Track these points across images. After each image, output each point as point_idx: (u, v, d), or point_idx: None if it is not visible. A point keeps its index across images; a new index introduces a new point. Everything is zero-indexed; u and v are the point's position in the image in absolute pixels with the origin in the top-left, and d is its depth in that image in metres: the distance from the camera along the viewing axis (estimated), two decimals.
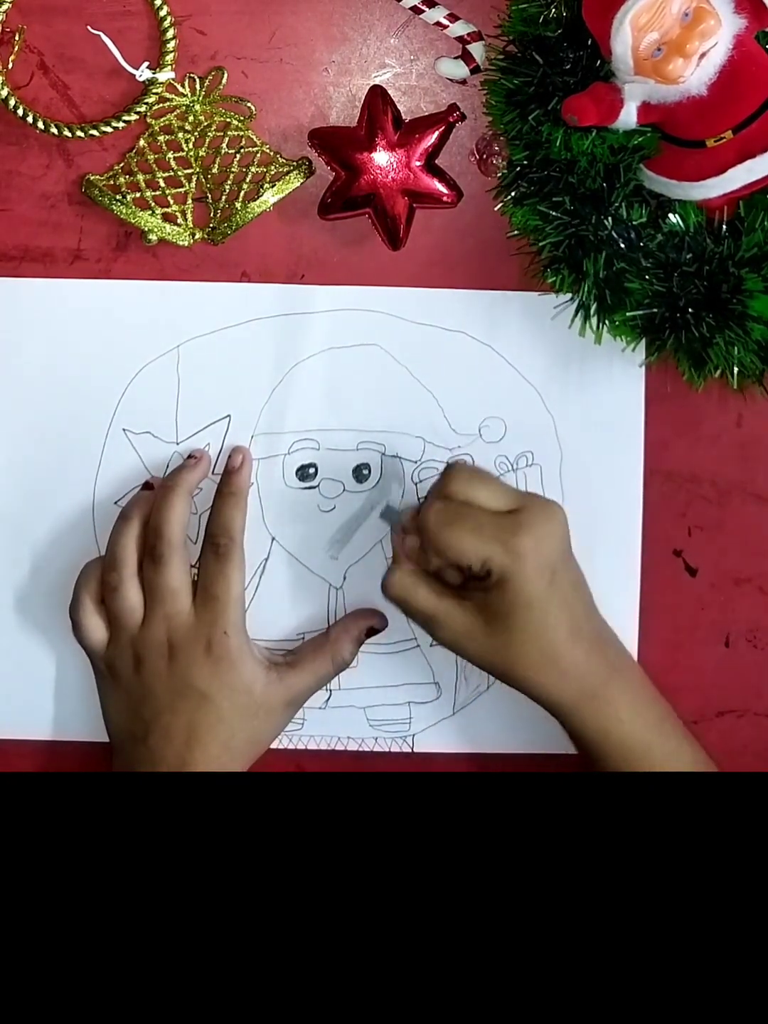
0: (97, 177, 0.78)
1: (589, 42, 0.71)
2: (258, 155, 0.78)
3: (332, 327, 0.81)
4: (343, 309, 0.81)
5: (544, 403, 0.81)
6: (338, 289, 0.80)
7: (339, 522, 0.82)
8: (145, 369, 0.81)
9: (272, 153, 0.78)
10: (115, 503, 0.81)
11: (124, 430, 0.81)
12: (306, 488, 0.82)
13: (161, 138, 0.78)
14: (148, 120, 0.78)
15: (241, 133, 0.78)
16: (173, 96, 0.78)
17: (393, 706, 0.83)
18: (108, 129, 0.78)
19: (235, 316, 0.81)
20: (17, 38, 0.78)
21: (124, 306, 0.80)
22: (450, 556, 0.73)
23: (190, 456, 0.80)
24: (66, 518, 0.82)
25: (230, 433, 0.81)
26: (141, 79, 0.77)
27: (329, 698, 0.82)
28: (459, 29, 0.77)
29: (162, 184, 0.78)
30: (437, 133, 0.77)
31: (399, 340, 0.81)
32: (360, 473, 0.81)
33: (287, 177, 0.78)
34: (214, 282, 0.80)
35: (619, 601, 0.81)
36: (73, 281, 0.80)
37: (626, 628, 0.81)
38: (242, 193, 0.78)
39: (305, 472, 0.81)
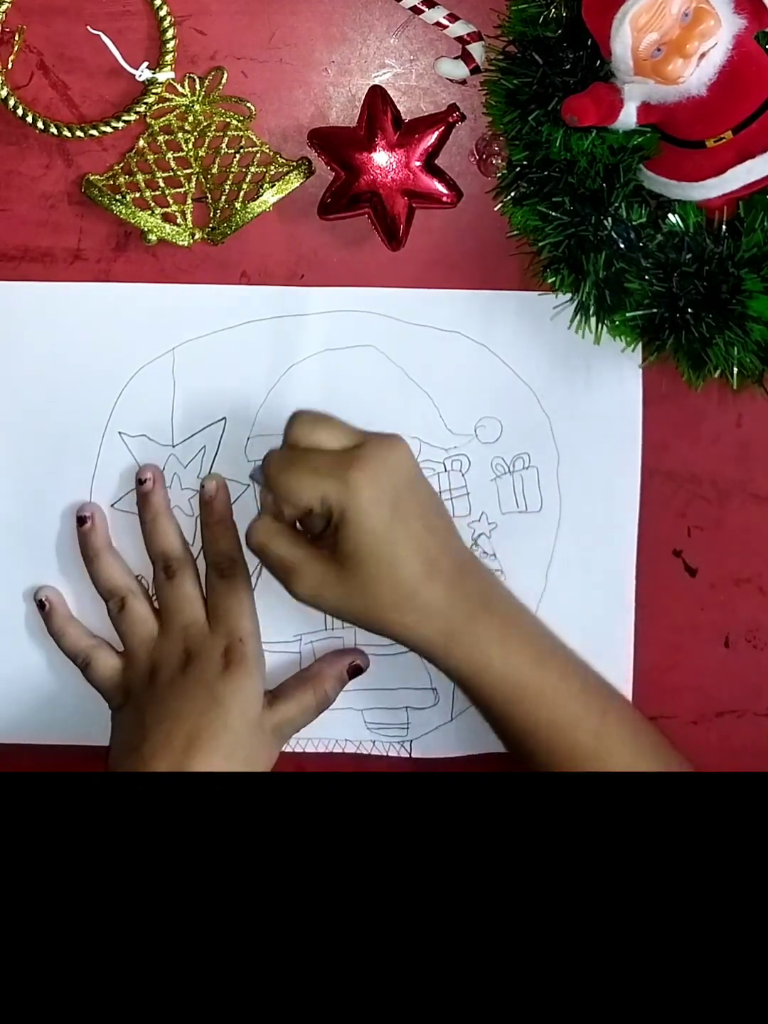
0: (97, 177, 0.78)
1: (589, 42, 0.71)
2: (258, 155, 0.78)
3: (327, 329, 0.81)
4: (338, 311, 0.81)
5: (540, 403, 0.81)
6: (333, 291, 0.80)
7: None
8: (141, 372, 0.81)
9: (272, 153, 0.78)
10: (112, 506, 0.81)
11: (120, 433, 0.81)
12: None
13: (161, 138, 0.78)
14: (148, 120, 0.78)
15: (241, 133, 0.78)
16: (173, 96, 0.78)
17: (390, 710, 0.82)
18: (108, 129, 0.77)
19: (230, 319, 0.80)
20: (17, 38, 0.78)
21: (119, 309, 0.80)
22: (292, 500, 0.72)
23: (140, 480, 0.80)
24: (62, 520, 0.81)
25: (226, 435, 0.81)
26: (141, 79, 0.77)
27: None
28: (459, 29, 0.77)
29: (162, 184, 0.78)
30: (437, 133, 0.77)
31: (395, 341, 0.81)
32: None
33: (287, 177, 0.78)
34: (212, 283, 0.80)
35: (615, 602, 0.81)
36: (67, 284, 0.80)
37: (622, 628, 0.81)
38: (242, 193, 0.78)
39: None
